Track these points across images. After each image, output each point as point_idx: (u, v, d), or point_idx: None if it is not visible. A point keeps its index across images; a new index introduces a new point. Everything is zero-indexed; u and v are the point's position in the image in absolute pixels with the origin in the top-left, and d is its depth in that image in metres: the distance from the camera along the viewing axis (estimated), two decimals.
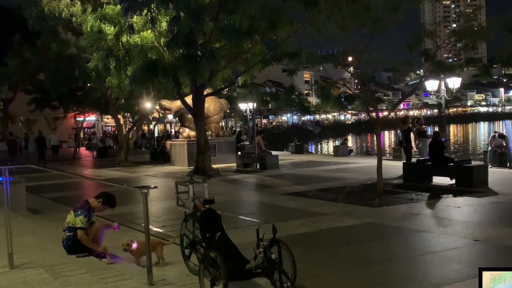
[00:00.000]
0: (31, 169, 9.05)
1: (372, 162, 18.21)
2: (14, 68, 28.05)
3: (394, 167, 17.43)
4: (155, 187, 5.69)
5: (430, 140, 16.30)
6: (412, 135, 18.34)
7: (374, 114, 14.02)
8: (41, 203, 13.85)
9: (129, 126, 35.52)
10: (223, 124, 48.31)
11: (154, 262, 6.49)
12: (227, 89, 26.05)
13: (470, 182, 13.40)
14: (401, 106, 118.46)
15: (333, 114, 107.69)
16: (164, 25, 17.34)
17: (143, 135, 46.62)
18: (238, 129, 50.38)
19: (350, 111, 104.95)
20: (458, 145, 55.83)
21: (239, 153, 24.68)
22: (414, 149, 20.02)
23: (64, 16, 20.31)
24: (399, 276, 6.41)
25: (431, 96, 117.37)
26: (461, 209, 10.84)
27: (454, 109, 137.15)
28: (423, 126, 20.15)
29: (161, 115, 40.30)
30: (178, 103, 23.14)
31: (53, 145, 34.28)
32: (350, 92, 15.01)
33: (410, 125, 18.57)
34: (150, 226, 5.95)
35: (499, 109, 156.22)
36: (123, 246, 6.85)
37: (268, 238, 5.51)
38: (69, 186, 17.36)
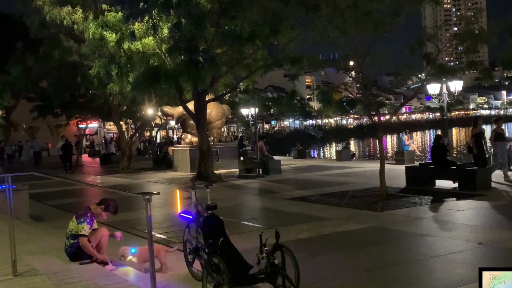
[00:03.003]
0: (34, 177, 9.05)
1: (374, 166, 18.18)
2: (17, 76, 28.11)
3: (397, 171, 17.41)
4: (158, 193, 5.67)
5: (507, 142, 15.50)
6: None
7: (376, 118, 14.02)
8: (44, 210, 13.86)
9: (132, 133, 35.60)
10: (225, 129, 48.36)
11: (157, 268, 6.49)
12: (229, 94, 26.12)
13: (473, 185, 13.37)
14: (403, 110, 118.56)
15: (335, 118, 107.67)
16: (165, 31, 17.39)
17: (149, 141, 46.61)
18: (240, 134, 50.42)
19: (352, 115, 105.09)
20: (461, 148, 55.71)
21: (242, 158, 24.68)
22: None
23: (66, 23, 20.41)
24: (402, 280, 6.39)
25: (433, 100, 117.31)
26: (464, 212, 10.81)
27: (456, 112, 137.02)
28: (501, 128, 16.97)
29: (163, 121, 40.37)
30: (180, 109, 23.17)
31: (61, 155, 30.17)
32: (352, 96, 15.02)
33: (496, 127, 16.24)
34: (153, 232, 5.94)
35: (502, 112, 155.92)
36: (119, 256, 6.94)
37: (271, 243, 5.51)
38: (72, 193, 17.37)
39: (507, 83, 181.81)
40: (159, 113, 31.23)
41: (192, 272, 6.53)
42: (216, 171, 20.68)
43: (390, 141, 69.91)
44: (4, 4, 35.73)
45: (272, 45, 17.99)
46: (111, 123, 41.99)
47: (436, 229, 9.26)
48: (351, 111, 15.34)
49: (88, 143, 54.54)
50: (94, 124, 52.56)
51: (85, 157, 44.47)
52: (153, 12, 16.27)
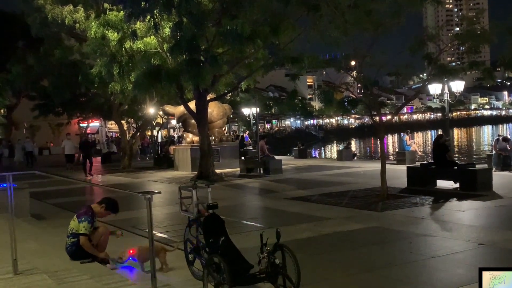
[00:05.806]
0: (34, 175, 9.06)
1: (375, 166, 18.18)
2: (18, 75, 28.10)
3: (398, 171, 17.40)
4: (159, 192, 5.68)
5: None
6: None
7: (377, 118, 14.01)
8: (45, 209, 13.86)
9: (133, 132, 35.58)
10: (226, 128, 48.36)
11: (158, 268, 6.49)
12: (230, 94, 26.14)
13: (474, 185, 13.36)
14: (405, 110, 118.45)
15: (336, 118, 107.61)
16: (167, 30, 17.38)
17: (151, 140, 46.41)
18: (241, 134, 50.37)
19: (353, 115, 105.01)
20: (462, 148, 55.69)
21: (243, 158, 24.68)
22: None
23: (68, 22, 20.41)
24: (403, 281, 6.39)
25: (434, 100, 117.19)
26: (465, 213, 10.81)
27: (458, 113, 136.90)
28: None
29: (164, 120, 40.34)
30: (181, 109, 23.17)
31: (67, 154, 27.84)
32: (353, 96, 15.01)
33: None
34: (153, 232, 5.95)
35: (503, 112, 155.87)
36: (117, 259, 7.02)
37: (272, 243, 5.51)
38: (73, 192, 17.38)
39: (508, 83, 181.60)
40: (161, 112, 31.23)
41: (193, 271, 6.53)
42: (217, 171, 20.67)
43: (391, 141, 69.85)
44: (5, 3, 35.72)
45: (273, 45, 17.96)
46: (113, 122, 41.98)
47: (436, 230, 9.26)
48: (352, 111, 15.31)
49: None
50: (95, 123, 52.60)
51: None
52: (155, 11, 16.27)
